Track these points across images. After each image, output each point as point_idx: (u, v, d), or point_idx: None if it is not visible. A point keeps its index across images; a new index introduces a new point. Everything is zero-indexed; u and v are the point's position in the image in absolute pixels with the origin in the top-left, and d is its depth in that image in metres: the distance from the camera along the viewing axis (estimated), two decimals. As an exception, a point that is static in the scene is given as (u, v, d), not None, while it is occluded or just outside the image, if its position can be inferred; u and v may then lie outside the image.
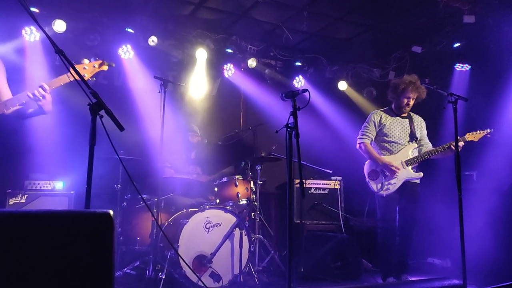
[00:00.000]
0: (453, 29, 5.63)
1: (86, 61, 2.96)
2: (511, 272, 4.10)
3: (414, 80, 4.37)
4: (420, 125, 4.57)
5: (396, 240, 4.31)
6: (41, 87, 2.81)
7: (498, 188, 4.83)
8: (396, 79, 4.61)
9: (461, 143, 4.03)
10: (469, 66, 5.91)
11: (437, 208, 4.86)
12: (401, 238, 4.32)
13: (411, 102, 4.42)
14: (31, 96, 2.81)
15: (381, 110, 4.59)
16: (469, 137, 4.21)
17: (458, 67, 5.93)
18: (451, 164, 3.99)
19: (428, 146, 4.52)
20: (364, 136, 4.51)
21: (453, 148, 3.88)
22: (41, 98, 2.82)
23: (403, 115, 4.52)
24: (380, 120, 4.49)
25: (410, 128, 4.46)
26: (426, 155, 4.31)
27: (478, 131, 4.22)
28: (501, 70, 5.36)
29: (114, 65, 3.08)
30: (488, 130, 4.21)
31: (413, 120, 4.55)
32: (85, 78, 2.89)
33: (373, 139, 4.52)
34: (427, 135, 4.61)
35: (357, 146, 4.55)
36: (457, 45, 5.81)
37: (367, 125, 4.54)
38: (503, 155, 4.96)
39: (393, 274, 4.33)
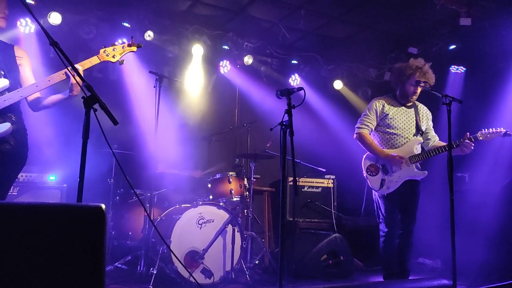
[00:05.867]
0: (449, 31, 5.66)
1: (116, 43, 2.91)
2: (501, 273, 4.13)
3: (421, 64, 3.95)
4: (426, 116, 4.17)
5: (396, 243, 3.98)
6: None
7: (490, 190, 4.86)
8: (401, 63, 4.14)
9: (470, 143, 3.76)
10: (464, 68, 5.94)
11: (428, 208, 4.88)
12: (401, 243, 3.96)
13: (419, 90, 3.99)
14: (68, 75, 2.68)
15: (384, 98, 4.16)
16: (481, 136, 3.80)
17: (453, 69, 5.96)
18: (443, 165, 4.00)
19: (435, 139, 4.17)
20: (362, 126, 4.08)
21: (464, 146, 3.75)
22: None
23: (408, 104, 4.09)
24: (382, 109, 4.04)
25: (416, 120, 4.06)
26: (432, 152, 3.90)
27: (492, 129, 3.79)
28: (496, 73, 5.39)
29: (142, 46, 3.00)
30: (503, 130, 3.78)
31: (419, 110, 4.13)
32: (114, 60, 2.86)
33: (373, 129, 4.10)
34: None
35: (354, 136, 4.13)
36: (452, 47, 5.83)
37: (368, 113, 4.09)
38: (495, 157, 4.99)
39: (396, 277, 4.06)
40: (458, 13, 5.12)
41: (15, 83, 2.83)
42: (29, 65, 2.97)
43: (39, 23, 2.23)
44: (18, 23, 5.02)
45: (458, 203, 3.36)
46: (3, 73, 2.76)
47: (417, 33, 5.86)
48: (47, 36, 2.20)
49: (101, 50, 2.88)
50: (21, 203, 1.34)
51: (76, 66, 2.70)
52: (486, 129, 3.81)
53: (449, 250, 3.26)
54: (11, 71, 2.81)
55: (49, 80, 2.74)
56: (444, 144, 3.98)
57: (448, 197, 3.33)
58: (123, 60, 2.91)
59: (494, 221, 4.62)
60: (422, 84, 3.93)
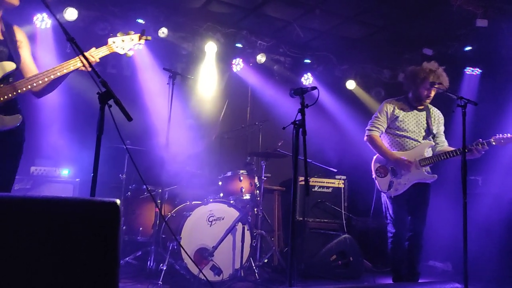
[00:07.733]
0: (465, 33, 5.59)
1: (120, 34, 2.86)
2: (513, 279, 4.09)
3: (435, 67, 3.92)
4: (438, 120, 4.12)
5: (405, 245, 3.94)
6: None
7: (503, 194, 4.80)
8: (413, 67, 4.13)
9: (482, 147, 3.68)
10: (480, 70, 5.87)
11: (439, 211, 4.84)
12: (411, 245, 3.92)
13: (432, 93, 3.96)
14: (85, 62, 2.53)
15: (395, 100, 4.13)
16: (495, 142, 3.69)
17: (469, 71, 5.89)
18: (456, 167, 3.95)
19: (444, 144, 4.12)
20: (373, 128, 4.08)
21: (476, 151, 3.69)
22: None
23: (420, 107, 4.07)
24: (393, 111, 4.04)
25: (427, 123, 4.03)
26: (443, 156, 3.84)
27: (506, 135, 3.68)
28: (512, 75, 5.32)
29: (150, 39, 2.96)
30: None
31: (431, 113, 4.09)
32: (121, 52, 2.84)
33: (384, 131, 4.10)
34: None
35: (365, 138, 4.12)
36: (468, 48, 5.77)
37: (378, 115, 4.09)
38: (509, 161, 4.92)
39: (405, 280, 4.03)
40: (474, 14, 5.06)
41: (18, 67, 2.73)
42: (29, 49, 2.84)
43: (56, 19, 2.25)
44: (35, 18, 5.08)
45: (470, 206, 3.32)
46: (8, 54, 2.66)
47: (433, 34, 5.80)
48: (64, 31, 2.22)
49: (110, 40, 2.83)
50: (38, 196, 1.35)
51: (88, 55, 2.64)
52: (500, 134, 3.73)
53: (460, 253, 3.23)
54: (15, 53, 2.72)
55: (62, 69, 2.61)
56: (452, 149, 3.92)
57: (461, 200, 3.30)
58: (133, 52, 2.89)
59: (506, 225, 4.57)
60: (436, 86, 3.88)
